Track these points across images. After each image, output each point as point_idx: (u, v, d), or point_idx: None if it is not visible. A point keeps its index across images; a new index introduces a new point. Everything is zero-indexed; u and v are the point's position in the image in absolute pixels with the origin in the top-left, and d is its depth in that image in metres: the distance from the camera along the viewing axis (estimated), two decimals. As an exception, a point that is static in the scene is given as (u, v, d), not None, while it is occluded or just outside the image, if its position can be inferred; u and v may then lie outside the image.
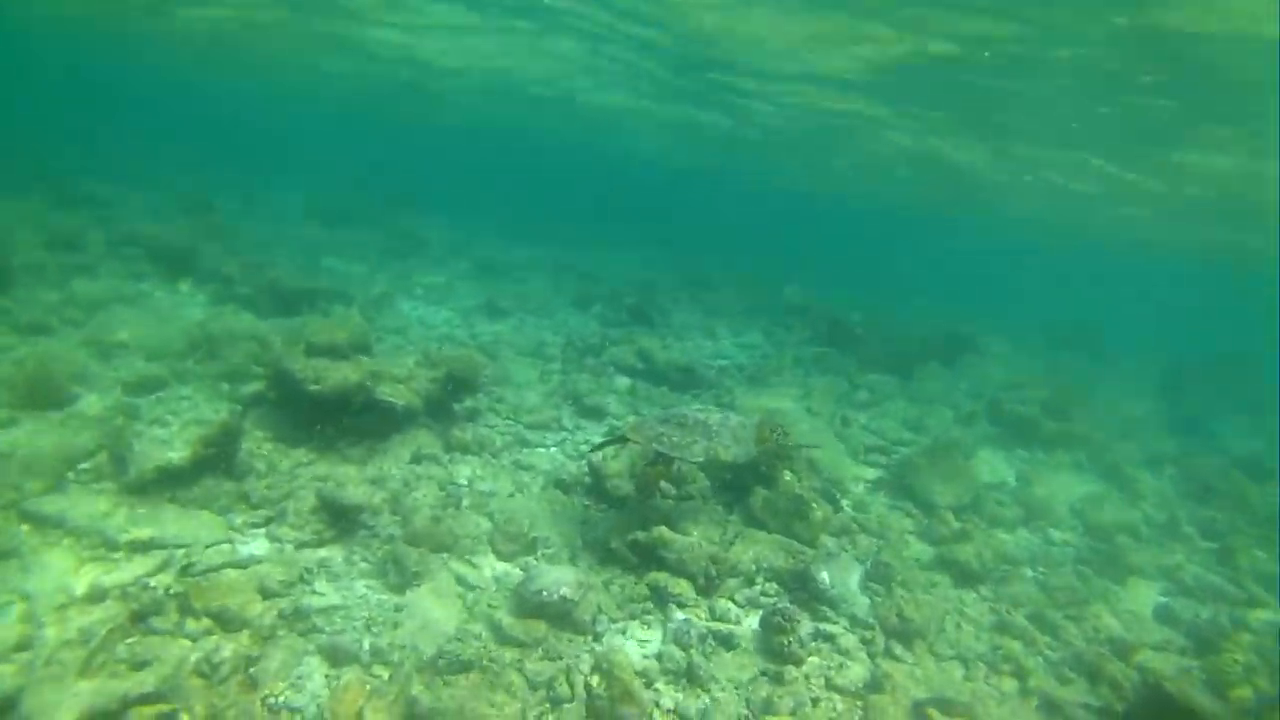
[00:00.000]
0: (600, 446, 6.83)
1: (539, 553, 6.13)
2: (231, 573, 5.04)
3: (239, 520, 5.80)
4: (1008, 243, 39.69)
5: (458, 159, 41.49)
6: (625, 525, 6.32)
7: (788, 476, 7.25)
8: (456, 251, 17.68)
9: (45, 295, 9.37)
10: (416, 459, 7.24)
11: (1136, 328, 27.78)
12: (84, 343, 8.42)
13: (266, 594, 4.95)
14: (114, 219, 13.48)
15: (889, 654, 5.35)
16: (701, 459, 5.75)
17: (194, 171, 21.08)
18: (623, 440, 6.25)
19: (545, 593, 5.04)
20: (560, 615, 5.13)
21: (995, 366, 14.82)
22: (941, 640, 5.68)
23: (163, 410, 7.49)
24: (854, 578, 6.04)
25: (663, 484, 7.36)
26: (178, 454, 6.00)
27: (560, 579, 5.18)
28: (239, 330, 9.56)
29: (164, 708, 3.53)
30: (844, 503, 8.03)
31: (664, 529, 5.98)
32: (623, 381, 10.86)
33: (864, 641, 5.44)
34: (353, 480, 6.72)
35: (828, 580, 5.72)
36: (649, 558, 5.90)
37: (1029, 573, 7.28)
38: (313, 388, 6.99)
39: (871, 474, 9.06)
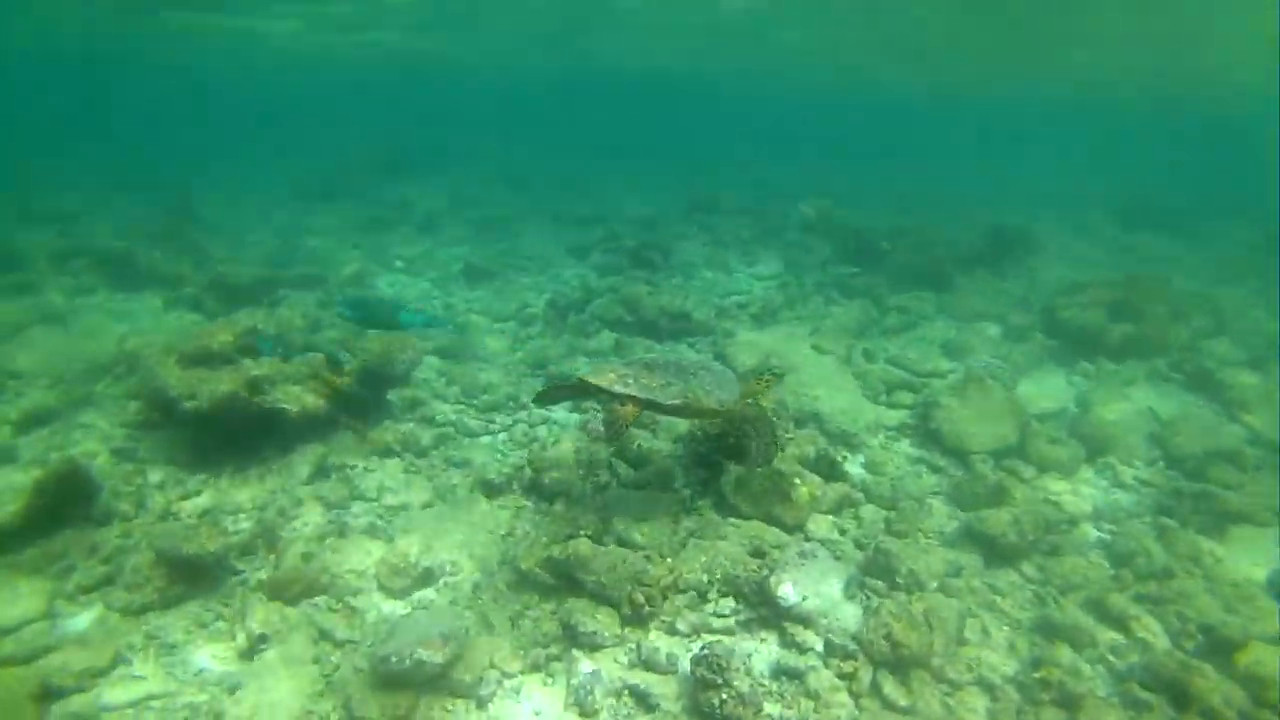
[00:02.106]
0: (546, 396, 5.65)
1: (439, 583, 4.92)
2: (9, 671, 4.01)
3: (71, 585, 4.78)
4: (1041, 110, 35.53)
5: (449, 118, 39.41)
6: (554, 533, 5.04)
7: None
8: (446, 214, 16.40)
9: (-41, 325, 8.61)
10: (322, 472, 6.10)
11: (1235, 190, 23.94)
12: (-21, 377, 7.60)
13: (51, 693, 3.91)
14: (74, 232, 12.76)
15: (876, 692, 3.92)
16: (678, 401, 4.38)
17: (179, 164, 20.43)
18: (578, 390, 4.88)
19: (395, 659, 3.81)
20: (429, 680, 3.92)
21: (1054, 264, 12.61)
22: (958, 658, 4.21)
23: (48, 446, 6.59)
24: (835, 581, 4.57)
25: (618, 467, 6.05)
26: (5, 509, 5.02)
27: (421, 634, 3.94)
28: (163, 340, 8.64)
29: None
30: (852, 463, 6.51)
31: (583, 542, 4.65)
32: (607, 339, 9.48)
33: (844, 676, 4.02)
34: (244, 509, 5.70)
35: (791, 593, 4.29)
36: (567, 579, 4.61)
37: (1091, 533, 5.64)
38: (188, 404, 5.93)
39: (895, 418, 7.46)
